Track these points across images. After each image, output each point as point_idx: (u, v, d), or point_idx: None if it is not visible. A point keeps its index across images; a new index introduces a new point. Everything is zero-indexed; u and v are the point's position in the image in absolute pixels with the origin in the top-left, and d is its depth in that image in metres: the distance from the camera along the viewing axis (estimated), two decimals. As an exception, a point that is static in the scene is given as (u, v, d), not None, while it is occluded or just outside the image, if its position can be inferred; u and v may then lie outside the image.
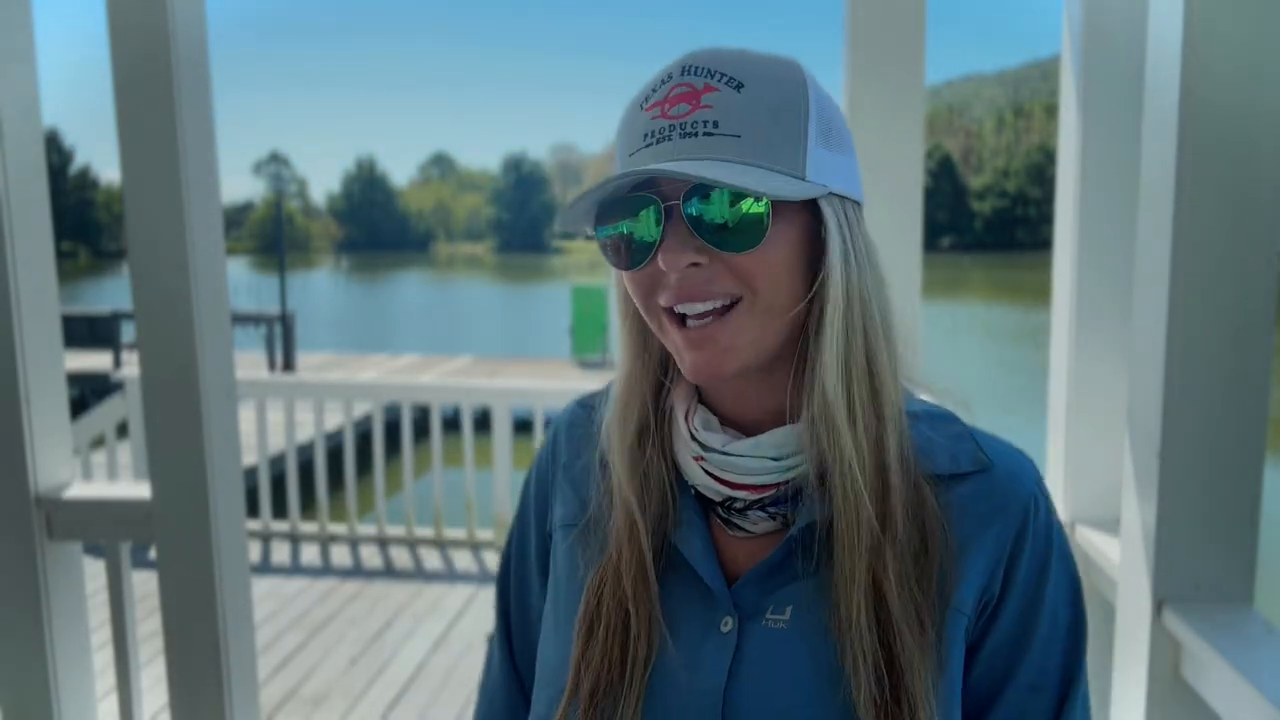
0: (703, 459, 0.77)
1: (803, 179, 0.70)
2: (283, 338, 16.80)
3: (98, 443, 5.23)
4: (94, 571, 2.29)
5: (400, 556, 5.12)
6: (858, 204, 0.75)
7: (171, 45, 1.81)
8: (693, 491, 0.79)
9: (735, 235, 0.69)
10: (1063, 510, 1.82)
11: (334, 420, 6.17)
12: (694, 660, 0.74)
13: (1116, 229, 1.74)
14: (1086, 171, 1.74)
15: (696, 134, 0.69)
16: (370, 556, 5.13)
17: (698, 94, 0.70)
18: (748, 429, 0.78)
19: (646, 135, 0.71)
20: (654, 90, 0.72)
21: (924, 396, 0.81)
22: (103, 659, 2.39)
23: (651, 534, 0.77)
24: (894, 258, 1.76)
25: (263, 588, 4.63)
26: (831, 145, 0.73)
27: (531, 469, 0.94)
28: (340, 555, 5.16)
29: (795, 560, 0.75)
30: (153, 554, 2.05)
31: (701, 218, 0.69)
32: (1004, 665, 0.76)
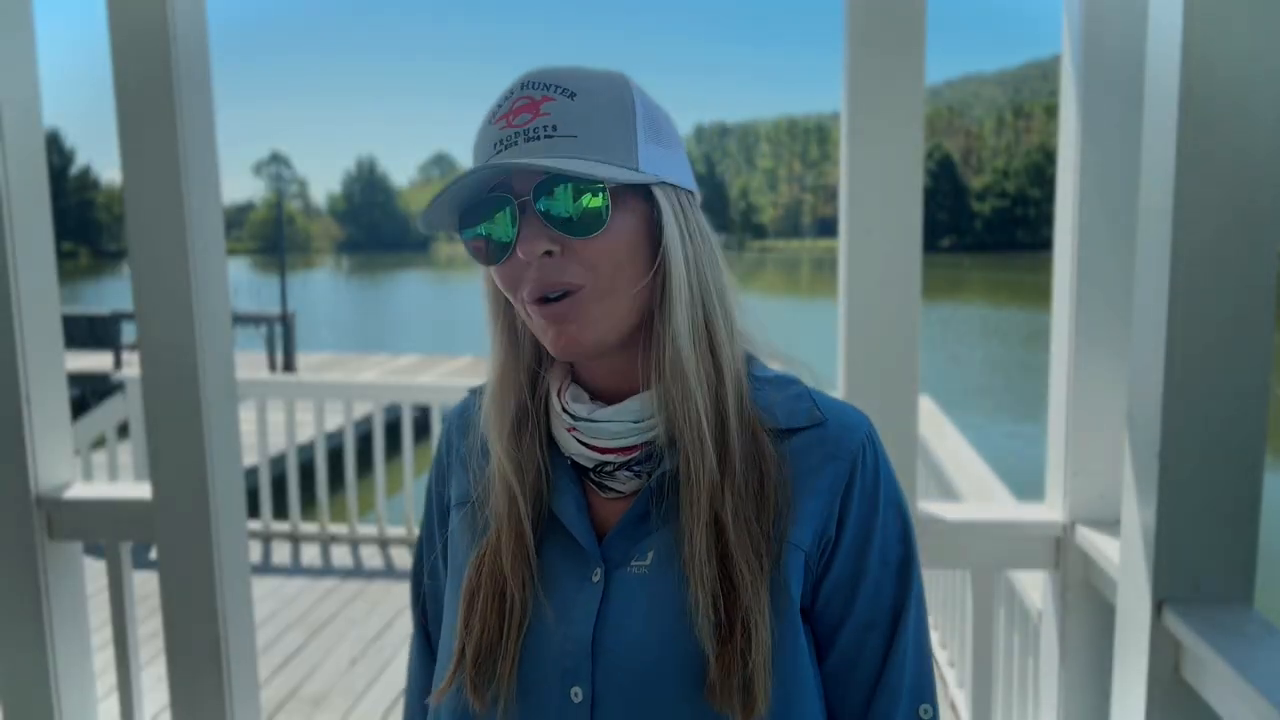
0: (575, 429, 0.86)
1: (636, 170, 0.79)
2: (283, 338, 16.82)
3: (98, 443, 5.22)
4: (94, 571, 2.29)
5: (401, 556, 5.12)
6: (691, 193, 0.85)
7: (172, 46, 1.81)
8: (569, 463, 0.88)
9: (580, 224, 0.78)
10: (1063, 510, 1.82)
11: (334, 420, 6.16)
12: (568, 612, 0.83)
13: (1116, 229, 1.74)
14: (1086, 171, 1.74)
15: (539, 137, 0.78)
16: (371, 556, 5.13)
17: (537, 104, 0.79)
18: (615, 402, 0.86)
19: (495, 144, 0.80)
20: (499, 106, 0.82)
21: (774, 365, 0.92)
22: (103, 659, 2.39)
23: (530, 507, 0.85)
24: (894, 258, 1.77)
25: (263, 588, 4.62)
26: (661, 142, 0.83)
27: (433, 462, 1.02)
28: (341, 555, 5.16)
29: (654, 509, 0.83)
30: (153, 554, 2.05)
31: (550, 210, 0.77)
32: (842, 603, 0.85)
